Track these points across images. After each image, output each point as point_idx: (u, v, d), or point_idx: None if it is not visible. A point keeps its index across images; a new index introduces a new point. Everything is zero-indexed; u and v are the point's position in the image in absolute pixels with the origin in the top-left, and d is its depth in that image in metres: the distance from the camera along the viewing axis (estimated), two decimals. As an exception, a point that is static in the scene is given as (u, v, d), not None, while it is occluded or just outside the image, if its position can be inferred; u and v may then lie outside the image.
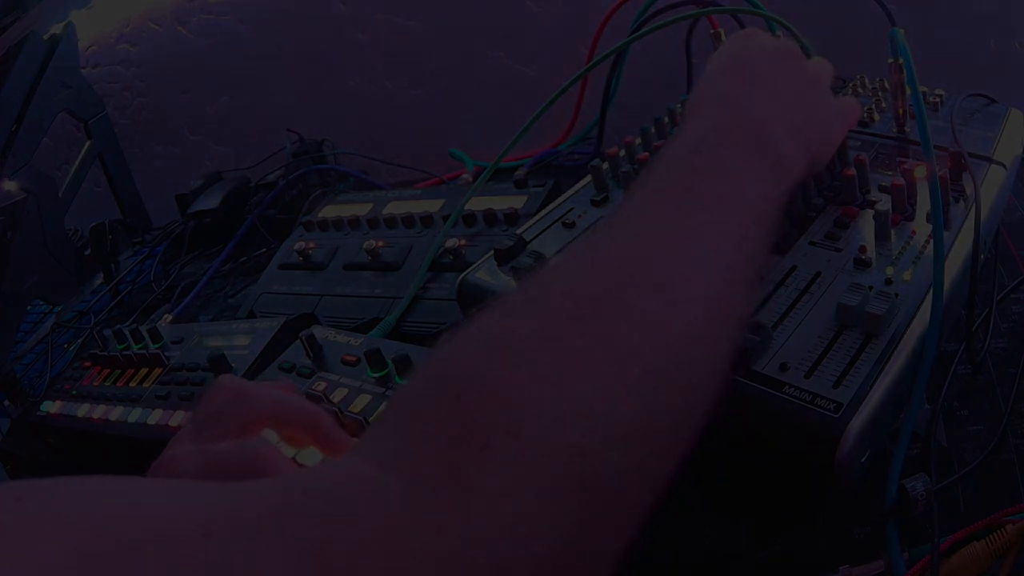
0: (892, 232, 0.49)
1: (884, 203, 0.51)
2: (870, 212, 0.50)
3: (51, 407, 0.77)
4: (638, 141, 0.65)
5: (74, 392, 0.77)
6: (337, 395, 0.57)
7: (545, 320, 0.29)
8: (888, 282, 0.46)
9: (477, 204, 0.79)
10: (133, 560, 0.21)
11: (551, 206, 0.63)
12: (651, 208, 0.36)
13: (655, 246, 0.33)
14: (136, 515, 0.22)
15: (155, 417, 0.67)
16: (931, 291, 0.43)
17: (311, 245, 0.86)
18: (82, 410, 0.74)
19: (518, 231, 0.59)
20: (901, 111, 0.59)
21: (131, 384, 0.74)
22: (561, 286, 0.32)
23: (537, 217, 0.62)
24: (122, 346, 0.79)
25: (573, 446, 0.26)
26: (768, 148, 0.39)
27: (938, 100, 0.60)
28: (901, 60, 0.54)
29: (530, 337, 0.29)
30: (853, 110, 0.52)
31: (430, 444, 0.26)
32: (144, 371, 0.75)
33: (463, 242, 0.74)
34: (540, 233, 0.59)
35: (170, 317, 0.89)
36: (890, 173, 0.54)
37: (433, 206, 0.84)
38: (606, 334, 0.29)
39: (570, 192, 0.64)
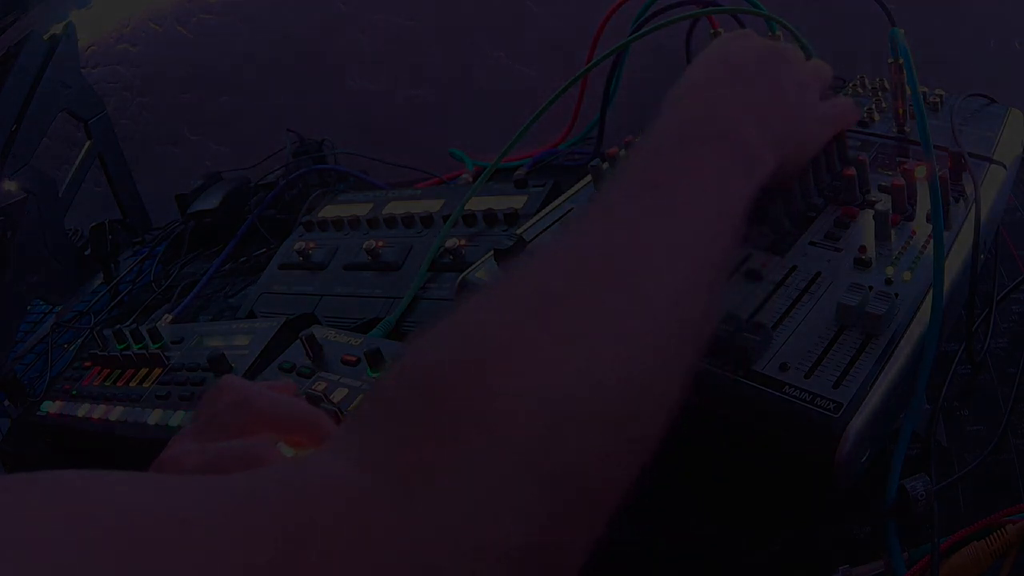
0: (892, 232, 0.49)
1: (884, 203, 0.51)
2: (870, 212, 0.50)
3: (51, 407, 0.77)
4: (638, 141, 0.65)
5: (74, 392, 0.77)
6: (337, 395, 0.57)
7: (513, 317, 0.30)
8: (888, 282, 0.46)
9: (477, 204, 0.79)
10: (110, 550, 0.21)
11: (551, 206, 0.63)
12: (619, 204, 0.36)
13: (621, 243, 0.34)
14: (115, 507, 0.23)
15: (155, 417, 0.67)
16: (931, 291, 0.43)
17: (311, 245, 0.86)
18: (82, 410, 0.74)
19: (518, 231, 0.59)
20: (901, 111, 0.59)
21: (131, 384, 0.74)
22: (530, 283, 0.32)
23: (537, 217, 0.62)
24: (122, 346, 0.79)
25: (539, 440, 0.26)
26: (737, 148, 0.40)
27: (938, 100, 0.60)
28: (901, 60, 0.54)
29: (498, 334, 0.29)
30: (840, 115, 0.52)
31: (401, 440, 0.26)
32: (144, 371, 0.75)
33: (463, 242, 0.74)
34: (540, 233, 0.59)
35: (170, 317, 0.89)
36: (890, 173, 0.54)
37: (433, 206, 0.84)
38: (572, 331, 0.30)
39: (570, 192, 0.64)
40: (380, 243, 0.80)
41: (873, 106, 0.62)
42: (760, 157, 0.41)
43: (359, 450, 0.27)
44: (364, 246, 0.80)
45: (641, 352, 0.31)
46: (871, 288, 0.44)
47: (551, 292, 0.31)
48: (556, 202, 0.63)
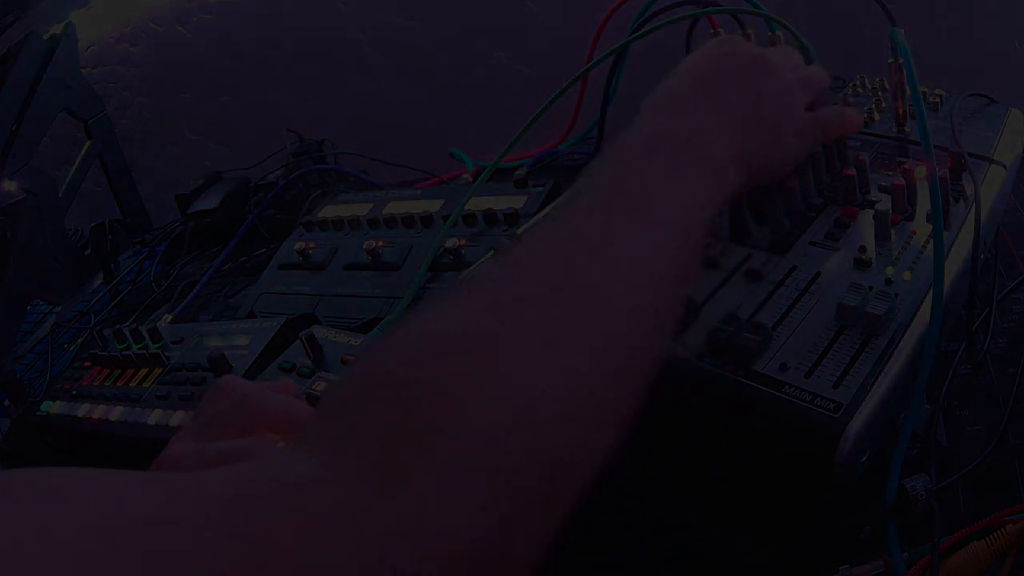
0: (892, 232, 0.49)
1: (884, 203, 0.51)
2: (870, 212, 0.50)
3: (51, 407, 0.77)
4: (638, 141, 0.64)
5: (74, 392, 0.77)
6: (337, 395, 0.57)
7: (475, 324, 0.31)
8: (888, 282, 0.46)
9: (477, 204, 0.79)
10: (91, 546, 0.22)
11: (551, 206, 0.62)
12: (584, 211, 0.37)
13: (586, 250, 0.34)
14: (98, 503, 0.23)
15: (155, 417, 0.67)
16: (931, 291, 0.43)
17: (311, 245, 0.86)
18: (82, 410, 0.74)
19: (518, 231, 0.59)
20: (901, 111, 0.59)
21: (131, 384, 0.74)
22: (493, 291, 0.33)
23: (537, 217, 0.62)
24: (122, 346, 0.79)
25: (497, 446, 0.27)
26: (703, 160, 0.40)
27: (938, 100, 0.60)
28: (901, 60, 0.54)
29: (460, 340, 0.30)
30: (827, 126, 0.51)
31: (365, 443, 0.27)
32: (144, 371, 0.75)
33: (463, 242, 0.74)
34: (540, 233, 0.59)
35: (170, 317, 0.89)
36: (890, 173, 0.54)
37: (433, 206, 0.84)
38: (531, 339, 0.30)
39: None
40: (380, 243, 0.80)
41: (873, 106, 0.62)
42: (726, 170, 0.41)
43: (325, 453, 0.27)
44: (364, 246, 0.80)
45: (602, 360, 0.31)
46: (871, 288, 0.44)
47: (516, 298, 0.32)
48: (556, 202, 0.63)
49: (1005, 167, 0.54)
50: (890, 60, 0.55)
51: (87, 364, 0.80)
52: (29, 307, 1.14)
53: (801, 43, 0.55)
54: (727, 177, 0.41)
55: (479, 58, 1.19)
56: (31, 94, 1.13)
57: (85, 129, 1.25)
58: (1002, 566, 0.39)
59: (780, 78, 0.46)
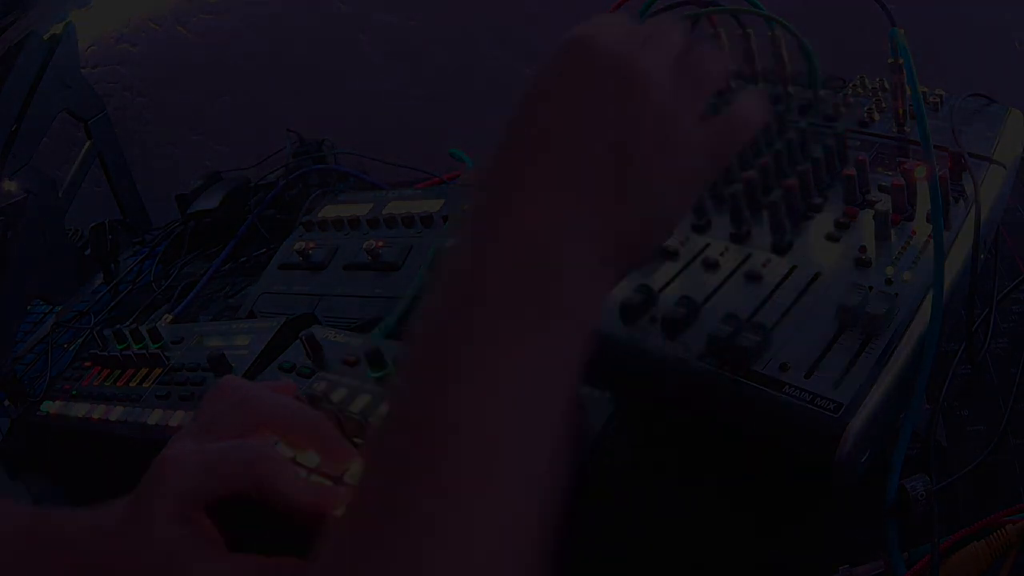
0: (892, 232, 0.49)
1: (884, 203, 0.51)
2: (870, 212, 0.50)
3: (51, 407, 0.77)
4: (638, 141, 0.64)
5: (74, 392, 0.77)
6: (337, 395, 0.57)
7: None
8: (888, 282, 0.46)
9: (477, 204, 0.79)
10: None
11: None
12: (426, 388, 0.30)
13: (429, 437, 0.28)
14: None
15: (155, 417, 0.67)
16: (931, 291, 0.43)
17: (311, 245, 0.86)
18: (82, 410, 0.74)
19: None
20: (901, 111, 0.59)
21: (131, 384, 0.74)
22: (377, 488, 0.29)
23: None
24: (122, 346, 0.79)
25: None
26: (568, 272, 0.31)
27: (938, 100, 0.60)
28: (901, 60, 0.54)
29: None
30: (721, 141, 0.37)
31: None
32: (144, 371, 0.75)
33: (463, 242, 0.74)
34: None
35: (170, 317, 0.89)
36: (890, 173, 0.54)
37: (433, 206, 0.84)
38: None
39: (570, 192, 0.64)
40: (380, 243, 0.80)
41: (873, 106, 0.62)
42: (603, 270, 0.32)
43: None
44: (364, 246, 0.80)
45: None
46: (871, 288, 0.44)
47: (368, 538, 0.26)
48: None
49: (1005, 167, 0.54)
50: (890, 60, 0.55)
51: (87, 364, 0.80)
52: (29, 307, 1.14)
53: (801, 43, 0.55)
54: (605, 277, 0.33)
55: (479, 58, 1.19)
56: (31, 94, 1.13)
57: (85, 129, 1.25)
58: (1002, 566, 0.39)
59: (653, 89, 0.33)
